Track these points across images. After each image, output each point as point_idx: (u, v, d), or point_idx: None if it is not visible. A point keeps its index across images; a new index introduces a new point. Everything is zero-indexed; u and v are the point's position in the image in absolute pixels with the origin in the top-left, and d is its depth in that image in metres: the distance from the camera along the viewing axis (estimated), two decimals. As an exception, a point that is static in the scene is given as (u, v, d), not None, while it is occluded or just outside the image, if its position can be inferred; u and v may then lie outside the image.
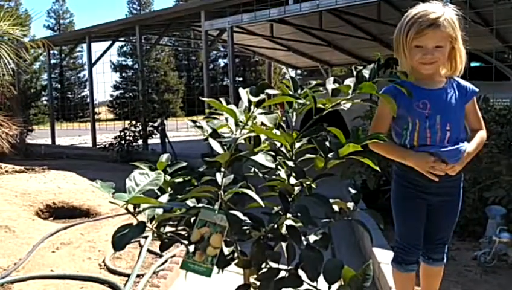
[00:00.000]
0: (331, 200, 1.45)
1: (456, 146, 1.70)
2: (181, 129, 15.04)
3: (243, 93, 1.33)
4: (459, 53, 1.74)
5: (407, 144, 1.77)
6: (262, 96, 1.32)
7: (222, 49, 20.17)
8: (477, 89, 1.81)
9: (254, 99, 1.28)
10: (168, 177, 1.46)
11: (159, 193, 1.41)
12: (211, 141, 1.35)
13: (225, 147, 1.36)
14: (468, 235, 3.06)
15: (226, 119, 1.40)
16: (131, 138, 8.98)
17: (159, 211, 1.32)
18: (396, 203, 1.88)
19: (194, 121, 1.39)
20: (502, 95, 5.26)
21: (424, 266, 1.93)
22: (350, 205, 1.53)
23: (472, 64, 7.09)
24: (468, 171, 3.31)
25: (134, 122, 9.16)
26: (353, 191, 1.65)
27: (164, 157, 1.53)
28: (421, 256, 1.91)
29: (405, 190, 1.81)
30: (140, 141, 9.15)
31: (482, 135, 1.81)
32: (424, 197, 1.80)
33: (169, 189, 1.45)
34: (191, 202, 1.38)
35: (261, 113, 1.30)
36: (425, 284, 1.97)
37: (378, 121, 1.83)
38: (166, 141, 8.99)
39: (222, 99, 1.41)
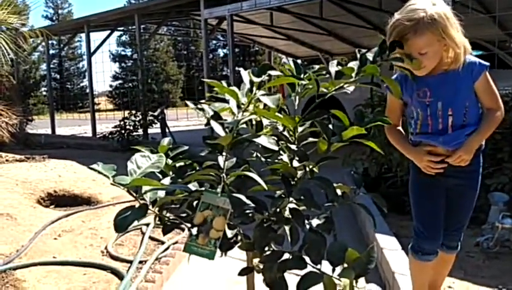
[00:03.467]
0: (334, 184, 1.44)
1: (452, 132, 1.65)
2: (181, 119, 15.03)
3: (245, 73, 1.31)
4: (453, 48, 1.61)
5: (413, 132, 1.77)
6: (264, 77, 1.30)
7: (222, 39, 20.08)
8: (487, 63, 1.67)
9: (256, 79, 1.26)
10: (169, 161, 1.45)
11: (160, 177, 1.40)
12: (213, 123, 1.33)
13: (227, 130, 1.34)
14: (471, 222, 3.04)
15: (227, 102, 1.38)
16: (131, 127, 8.97)
17: (161, 193, 1.31)
18: (413, 188, 1.84)
19: (196, 103, 1.37)
20: (504, 84, 5.24)
21: None
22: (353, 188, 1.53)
23: (474, 53, 7.03)
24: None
25: (134, 111, 9.15)
26: (355, 176, 1.65)
27: (165, 141, 1.51)
28: None
29: (422, 175, 1.76)
30: (140, 131, 9.14)
31: (492, 116, 1.66)
32: (441, 180, 1.73)
33: (170, 173, 1.44)
34: (193, 186, 1.37)
35: (263, 95, 1.28)
36: (434, 270, 1.95)
37: (389, 112, 1.81)
38: (167, 130, 8.99)
39: (223, 82, 1.39)
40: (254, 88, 1.31)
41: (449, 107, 1.66)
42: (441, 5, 1.60)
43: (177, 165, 1.47)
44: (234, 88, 1.34)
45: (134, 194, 1.26)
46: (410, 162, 1.82)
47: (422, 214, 1.80)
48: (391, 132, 1.81)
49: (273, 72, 1.34)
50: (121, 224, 1.13)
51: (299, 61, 1.53)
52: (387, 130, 1.82)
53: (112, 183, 1.19)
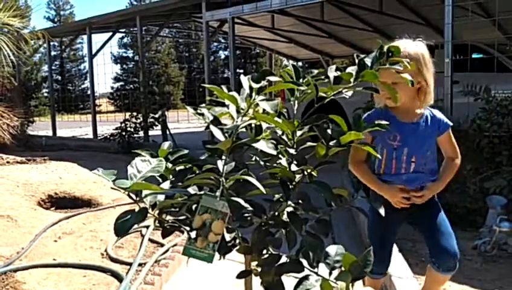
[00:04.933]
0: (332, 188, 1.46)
1: (414, 173, 1.82)
2: (182, 121, 15.05)
3: (244, 80, 1.33)
4: (424, 88, 1.79)
5: (376, 172, 1.89)
6: (263, 83, 1.32)
7: (223, 41, 20.13)
8: (450, 123, 1.90)
9: (255, 85, 1.28)
10: (169, 165, 1.46)
11: (160, 180, 1.42)
12: (212, 128, 1.34)
13: (226, 135, 1.36)
14: (469, 225, 3.08)
15: (227, 106, 1.39)
16: (132, 129, 8.99)
17: (161, 197, 1.33)
18: (371, 216, 1.92)
19: (195, 108, 1.39)
20: (503, 87, 5.26)
21: (430, 269, 1.91)
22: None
23: (474, 56, 7.06)
24: (470, 162, 3.32)
25: (135, 113, 9.17)
26: (353, 180, 1.67)
27: (166, 144, 1.53)
28: (431, 262, 1.90)
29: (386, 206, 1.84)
30: (141, 133, 9.16)
31: (452, 164, 1.90)
32: (399, 210, 1.85)
33: (170, 176, 1.46)
34: (192, 190, 1.39)
35: (263, 100, 1.30)
36: (427, 286, 1.98)
37: (357, 149, 1.79)
38: (167, 132, 9.01)
39: (223, 86, 1.41)
40: (253, 93, 1.33)
41: (413, 154, 1.82)
42: (421, 47, 1.81)
43: (177, 168, 1.48)
44: (234, 93, 1.36)
45: (135, 198, 1.28)
46: (373, 193, 1.90)
47: (375, 238, 1.94)
48: (360, 168, 1.88)
49: (272, 78, 1.35)
50: (121, 228, 1.15)
51: (299, 63, 1.55)
52: (354, 166, 1.90)
53: (112, 188, 1.20)
